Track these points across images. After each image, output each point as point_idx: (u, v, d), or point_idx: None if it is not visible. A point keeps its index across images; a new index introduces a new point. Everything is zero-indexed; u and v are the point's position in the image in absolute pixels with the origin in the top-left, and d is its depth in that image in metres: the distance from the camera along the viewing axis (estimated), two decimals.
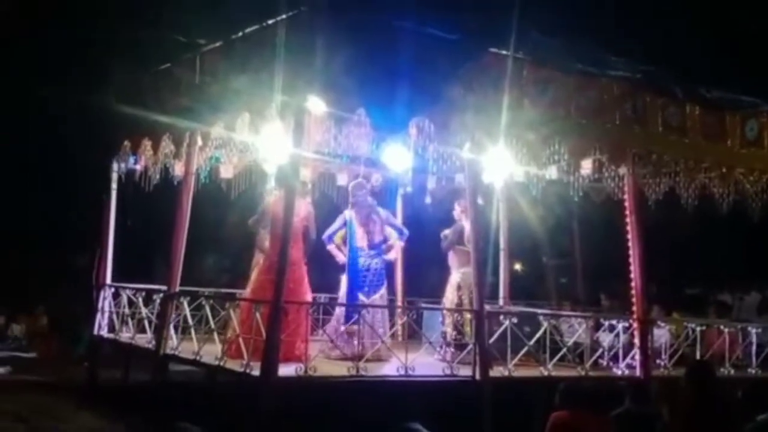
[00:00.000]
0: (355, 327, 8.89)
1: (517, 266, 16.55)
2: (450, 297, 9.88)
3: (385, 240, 9.82)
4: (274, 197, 9.24)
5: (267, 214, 9.26)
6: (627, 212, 9.53)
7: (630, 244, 9.47)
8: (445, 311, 9.70)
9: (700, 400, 6.55)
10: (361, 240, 9.57)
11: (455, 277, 9.88)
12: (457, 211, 10.03)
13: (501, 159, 9.10)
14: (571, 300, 13.65)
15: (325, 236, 9.84)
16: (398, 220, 11.33)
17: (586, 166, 9.61)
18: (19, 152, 15.38)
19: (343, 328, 9.09)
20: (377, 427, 4.08)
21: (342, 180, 11.49)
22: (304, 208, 9.06)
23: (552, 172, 10.22)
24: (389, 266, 10.46)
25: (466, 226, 9.51)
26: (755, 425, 5.35)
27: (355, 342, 8.57)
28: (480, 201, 9.47)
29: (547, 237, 14.83)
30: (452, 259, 10.00)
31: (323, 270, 10.31)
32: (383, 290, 9.64)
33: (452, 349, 9.08)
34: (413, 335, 9.69)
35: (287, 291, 8.00)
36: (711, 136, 9.86)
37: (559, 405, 6.95)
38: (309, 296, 8.98)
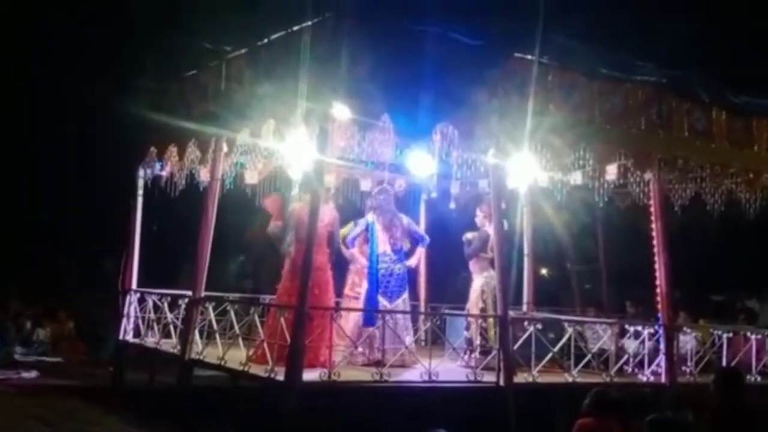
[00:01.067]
0: (374, 330, 8.91)
1: (544, 271, 16.44)
2: (474, 302, 9.83)
3: (407, 246, 9.80)
4: (299, 203, 9.27)
5: (292, 220, 9.27)
6: (652, 218, 9.48)
7: (655, 249, 9.41)
8: (469, 317, 9.66)
9: (728, 407, 6.47)
10: (383, 245, 9.57)
11: (478, 282, 9.83)
12: (479, 217, 9.96)
13: (525, 164, 9.06)
14: (596, 306, 13.54)
15: (348, 239, 9.84)
16: (421, 226, 11.34)
17: (611, 171, 9.54)
18: (45, 158, 15.55)
19: (367, 330, 9.07)
20: None
21: (365, 186, 11.50)
22: (328, 213, 9.08)
23: (577, 178, 10.16)
24: (412, 272, 10.45)
25: (490, 232, 9.49)
26: None
27: (377, 347, 8.60)
28: (503, 205, 9.44)
29: (572, 242, 14.72)
30: (474, 265, 9.95)
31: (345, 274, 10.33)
32: (405, 295, 9.62)
33: (477, 355, 9.05)
34: (437, 341, 9.67)
35: (312, 297, 8.03)
36: (737, 141, 9.79)
37: (586, 410, 6.91)
38: (334, 302, 8.99)
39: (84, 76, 14.22)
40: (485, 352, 8.91)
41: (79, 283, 15.36)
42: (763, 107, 9.99)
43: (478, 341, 9.28)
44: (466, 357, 9.16)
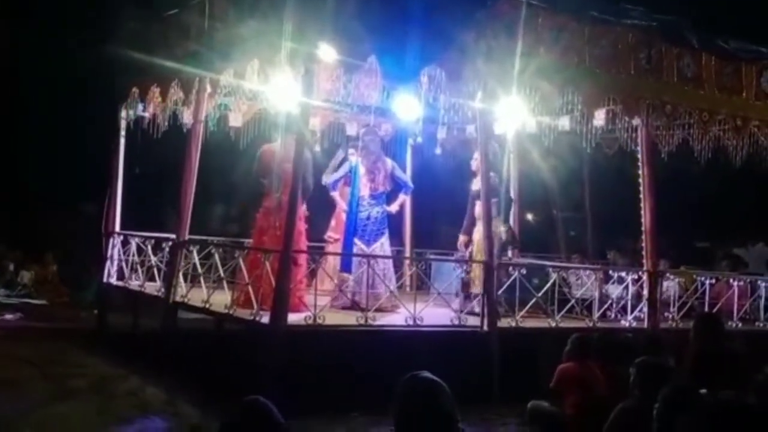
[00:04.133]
0: (348, 275, 8.88)
1: (530, 217, 16.45)
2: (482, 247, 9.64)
3: (388, 190, 9.67)
4: (269, 145, 9.15)
5: (263, 162, 9.13)
6: (640, 164, 9.45)
7: (642, 195, 9.40)
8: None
9: (707, 353, 6.53)
10: (363, 188, 9.45)
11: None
12: (476, 161, 9.60)
13: (513, 109, 8.97)
14: (580, 253, 13.62)
15: (329, 182, 9.78)
16: (407, 171, 11.25)
17: (600, 116, 9.49)
18: (28, 99, 15.31)
19: (344, 276, 9.02)
20: (385, 376, 4.07)
21: (351, 129, 11.39)
22: None
23: (564, 123, 10.10)
24: (396, 217, 10.37)
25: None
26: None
27: (359, 291, 8.60)
28: (497, 145, 9.32)
29: (558, 189, 14.74)
30: (477, 212, 9.79)
31: (325, 217, 10.29)
32: (383, 239, 9.49)
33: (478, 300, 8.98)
34: (421, 286, 9.68)
35: (275, 238, 8.00)
36: (726, 88, 9.73)
37: (568, 356, 6.95)
38: (304, 244, 8.84)
39: (65, 15, 13.92)
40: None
41: (62, 226, 15.26)
42: (752, 53, 9.91)
43: (479, 288, 9.22)
44: (459, 300, 9.06)
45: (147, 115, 10.46)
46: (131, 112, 10.70)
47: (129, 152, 11.05)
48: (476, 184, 9.71)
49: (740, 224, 15.53)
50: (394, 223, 10.08)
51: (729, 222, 15.96)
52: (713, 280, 10.26)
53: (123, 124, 10.86)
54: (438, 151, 11.91)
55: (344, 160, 9.96)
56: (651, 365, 5.03)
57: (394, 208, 9.88)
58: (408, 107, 9.50)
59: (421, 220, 12.46)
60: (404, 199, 10.19)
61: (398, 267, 10.18)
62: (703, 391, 5.28)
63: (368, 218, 9.39)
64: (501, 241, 9.35)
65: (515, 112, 9.20)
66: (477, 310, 8.61)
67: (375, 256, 9.00)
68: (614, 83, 9.00)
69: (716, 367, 6.32)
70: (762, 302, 10.40)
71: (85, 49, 12.08)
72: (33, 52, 14.98)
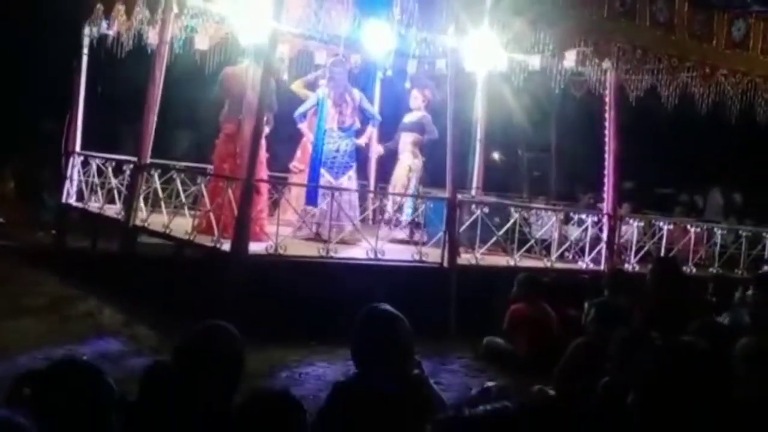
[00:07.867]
0: (315, 209, 8.86)
1: (495, 156, 16.47)
2: (400, 179, 10.20)
3: (357, 124, 9.61)
4: (232, 68, 8.97)
5: (225, 86, 8.97)
6: (607, 107, 9.47)
7: (607, 139, 9.45)
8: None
9: (664, 296, 6.65)
10: (331, 120, 9.33)
11: (406, 161, 10.17)
12: (417, 99, 10.25)
13: (484, 45, 8.89)
14: (545, 194, 13.72)
15: (296, 114, 9.65)
16: (376, 105, 11.15)
17: (570, 58, 9.43)
18: None
19: (309, 209, 9.00)
20: (345, 307, 4.10)
21: (320, 59, 11.21)
22: None
23: (535, 62, 10.04)
24: (362, 150, 10.36)
25: (417, 114, 10.06)
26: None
27: (323, 223, 8.60)
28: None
29: (525, 129, 14.75)
30: (405, 144, 10.27)
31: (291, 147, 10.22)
32: (351, 172, 9.46)
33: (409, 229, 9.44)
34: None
35: (236, 166, 7.92)
36: (697, 35, 9.69)
37: (516, 296, 7.04)
38: (264, 173, 8.73)
39: None
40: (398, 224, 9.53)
41: (21, 143, 14.94)
42: (725, 1, 9.88)
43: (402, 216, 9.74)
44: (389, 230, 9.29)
45: (111, 33, 10.16)
46: (95, 30, 10.40)
47: (92, 71, 10.79)
48: (408, 118, 10.34)
49: (702, 172, 15.72)
50: (358, 156, 10.04)
51: (691, 170, 16.14)
52: (671, 225, 10.43)
53: (86, 41, 10.58)
54: (407, 85, 11.78)
55: (317, 81, 9.86)
56: (608, 305, 5.12)
57: (363, 140, 9.90)
58: (379, 39, 9.33)
59: (387, 155, 12.38)
60: (372, 131, 10.20)
61: (361, 201, 10.20)
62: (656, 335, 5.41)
63: (337, 151, 9.30)
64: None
65: (487, 49, 9.12)
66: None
67: (340, 189, 8.97)
68: (587, 24, 8.89)
69: (671, 311, 6.44)
70: (717, 249, 10.61)
71: None
72: None
